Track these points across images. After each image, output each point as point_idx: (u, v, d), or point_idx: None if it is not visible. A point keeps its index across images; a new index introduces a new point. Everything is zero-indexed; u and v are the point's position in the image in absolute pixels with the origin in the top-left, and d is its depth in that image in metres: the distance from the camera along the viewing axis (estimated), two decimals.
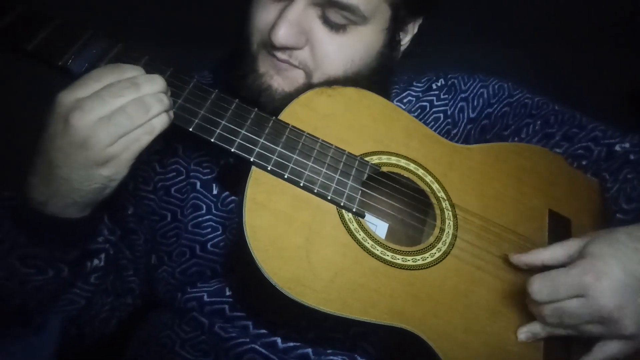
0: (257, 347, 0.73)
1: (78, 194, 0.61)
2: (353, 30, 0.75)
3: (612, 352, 0.67)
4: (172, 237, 0.80)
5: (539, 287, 0.66)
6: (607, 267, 0.64)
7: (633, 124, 0.90)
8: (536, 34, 1.79)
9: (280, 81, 0.76)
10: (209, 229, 0.80)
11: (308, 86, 0.76)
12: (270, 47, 0.74)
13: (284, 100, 0.74)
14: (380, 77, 0.81)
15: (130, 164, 0.61)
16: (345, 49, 0.76)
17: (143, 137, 0.60)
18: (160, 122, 0.62)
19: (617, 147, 0.86)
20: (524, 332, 0.70)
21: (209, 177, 0.82)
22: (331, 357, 0.73)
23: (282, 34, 0.71)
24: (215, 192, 0.81)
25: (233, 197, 0.81)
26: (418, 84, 0.94)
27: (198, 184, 0.81)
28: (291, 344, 0.74)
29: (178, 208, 0.81)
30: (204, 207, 0.80)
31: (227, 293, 0.77)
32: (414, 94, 0.93)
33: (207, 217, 0.80)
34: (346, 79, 0.77)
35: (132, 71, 0.62)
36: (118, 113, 0.58)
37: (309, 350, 0.73)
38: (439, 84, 0.93)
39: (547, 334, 0.69)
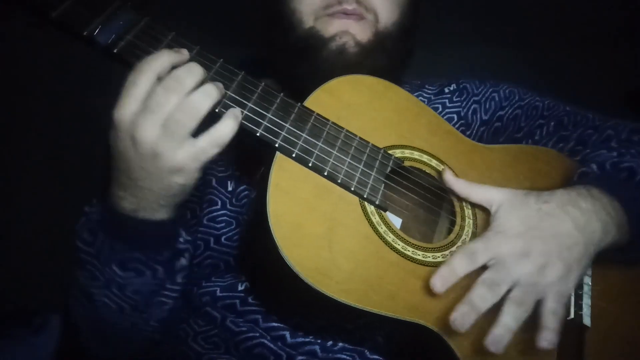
0: (266, 341, 0.73)
1: (163, 199, 0.65)
2: None
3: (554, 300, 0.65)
4: (193, 233, 0.81)
5: (458, 259, 0.65)
6: (510, 226, 0.67)
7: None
8: (536, 34, 1.80)
9: (353, 35, 0.79)
10: (223, 223, 0.81)
11: (376, 39, 0.81)
12: (337, 1, 0.78)
13: (360, 55, 0.78)
14: (399, 53, 0.84)
15: (201, 169, 0.63)
16: None
17: (209, 149, 0.62)
18: (227, 129, 0.63)
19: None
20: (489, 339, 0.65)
21: (224, 174, 0.83)
22: (338, 355, 0.72)
23: None
24: (230, 188, 0.82)
25: (247, 192, 0.81)
26: (430, 87, 0.96)
27: (213, 180, 0.83)
28: (300, 339, 0.73)
29: (196, 205, 0.82)
30: (219, 202, 0.82)
31: (240, 288, 0.77)
32: (425, 95, 0.95)
33: (222, 212, 0.81)
34: (391, 33, 0.82)
35: (158, 63, 0.61)
36: (171, 122, 0.59)
37: (317, 347, 0.73)
38: (451, 88, 0.95)
39: (510, 322, 0.64)
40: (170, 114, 0.59)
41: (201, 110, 0.61)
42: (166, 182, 0.62)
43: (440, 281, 0.65)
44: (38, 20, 0.63)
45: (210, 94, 0.62)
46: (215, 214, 0.81)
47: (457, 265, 0.65)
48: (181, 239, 0.73)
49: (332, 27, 0.79)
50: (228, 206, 0.81)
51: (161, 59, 0.61)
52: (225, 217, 0.81)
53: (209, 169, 0.83)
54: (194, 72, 0.61)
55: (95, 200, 0.72)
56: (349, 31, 0.79)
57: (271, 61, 0.87)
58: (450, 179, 0.73)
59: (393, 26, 0.82)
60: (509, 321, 0.64)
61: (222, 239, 0.80)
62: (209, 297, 0.78)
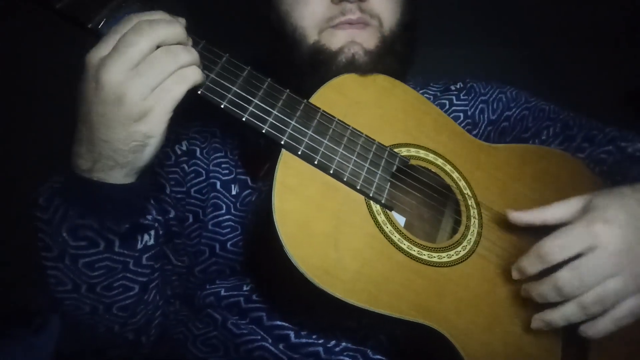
0: (267, 344, 0.72)
1: (120, 155, 0.60)
2: None
3: (633, 306, 0.64)
4: (195, 237, 0.80)
5: (550, 245, 0.63)
6: (614, 214, 0.64)
7: (633, 124, 0.91)
8: (536, 34, 1.80)
9: (360, 44, 0.76)
10: (229, 229, 0.79)
11: (384, 44, 0.78)
12: (340, 13, 0.75)
13: (370, 63, 0.76)
14: (406, 51, 0.83)
15: (166, 119, 0.60)
16: None
17: (174, 88, 0.59)
18: (193, 73, 0.60)
19: (630, 149, 0.85)
20: (537, 320, 0.67)
21: (228, 177, 0.81)
22: (341, 357, 0.71)
23: None
24: (234, 192, 0.81)
25: (251, 197, 0.80)
26: (435, 85, 0.95)
27: (218, 184, 0.81)
28: (303, 339, 0.72)
29: (199, 209, 0.80)
30: (224, 206, 0.80)
31: (245, 288, 0.76)
32: (431, 92, 0.94)
33: (227, 216, 0.79)
34: (396, 34, 0.80)
35: (146, 16, 0.60)
36: (145, 64, 0.57)
37: (320, 348, 0.72)
38: (457, 86, 0.94)
39: (561, 319, 0.65)
40: (144, 56, 0.57)
41: (179, 57, 0.59)
42: (127, 131, 0.58)
43: (517, 274, 0.68)
44: (43, 11, 0.62)
45: (190, 51, 0.60)
46: (220, 218, 0.79)
47: (527, 267, 0.66)
48: (149, 216, 0.69)
49: (338, 39, 0.76)
50: (232, 211, 0.80)
51: (149, 15, 0.60)
52: (230, 222, 0.79)
53: (213, 172, 0.81)
54: (173, 24, 0.60)
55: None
56: (356, 40, 0.76)
57: (278, 71, 0.86)
58: (518, 215, 0.70)
59: (397, 27, 0.80)
60: (558, 319, 0.65)
61: (228, 245, 0.78)
62: (213, 297, 0.76)
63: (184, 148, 0.83)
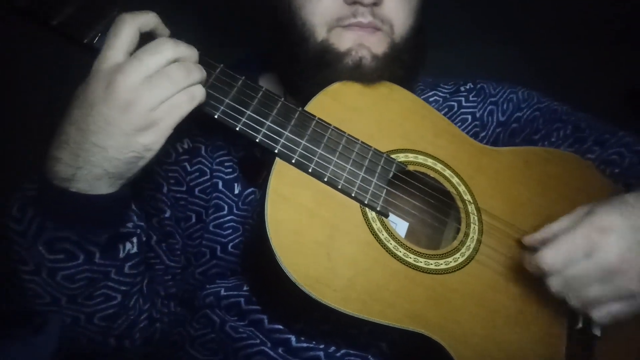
0: (266, 349, 0.72)
1: (111, 164, 0.59)
2: None
3: (616, 311, 0.65)
4: (197, 238, 0.79)
5: (552, 256, 0.64)
6: (612, 222, 0.64)
7: (633, 123, 0.89)
8: (536, 32, 1.77)
9: (369, 48, 0.75)
10: (230, 230, 0.78)
11: (392, 51, 0.77)
12: (351, 14, 0.74)
13: (377, 69, 0.75)
14: (415, 60, 0.81)
15: (168, 134, 0.60)
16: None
17: (184, 104, 0.60)
18: (200, 92, 0.62)
19: None
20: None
21: (231, 176, 0.81)
22: None
23: None
24: (236, 191, 0.80)
25: (254, 196, 0.79)
26: (445, 86, 0.94)
27: (220, 183, 0.80)
28: (304, 344, 0.72)
29: (202, 209, 0.79)
30: (226, 207, 0.79)
31: (245, 288, 0.76)
32: (441, 94, 0.92)
33: (229, 217, 0.79)
34: (407, 41, 0.78)
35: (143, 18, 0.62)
36: (160, 75, 0.58)
37: (321, 353, 0.72)
38: (467, 87, 0.93)
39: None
40: (162, 69, 0.59)
41: (192, 74, 0.61)
42: (127, 140, 0.57)
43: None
44: (39, 28, 0.63)
45: (201, 69, 0.62)
46: (221, 220, 0.79)
47: (528, 268, 0.67)
48: (129, 224, 0.67)
49: (346, 40, 0.74)
50: (234, 210, 0.79)
51: (147, 16, 0.62)
52: (232, 223, 0.78)
53: (217, 170, 0.81)
54: (192, 48, 0.62)
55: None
56: (364, 44, 0.75)
57: (279, 68, 0.84)
58: (531, 239, 0.70)
59: (408, 33, 0.78)
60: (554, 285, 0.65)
61: (229, 247, 0.78)
62: (213, 297, 0.76)
63: (186, 146, 0.82)
